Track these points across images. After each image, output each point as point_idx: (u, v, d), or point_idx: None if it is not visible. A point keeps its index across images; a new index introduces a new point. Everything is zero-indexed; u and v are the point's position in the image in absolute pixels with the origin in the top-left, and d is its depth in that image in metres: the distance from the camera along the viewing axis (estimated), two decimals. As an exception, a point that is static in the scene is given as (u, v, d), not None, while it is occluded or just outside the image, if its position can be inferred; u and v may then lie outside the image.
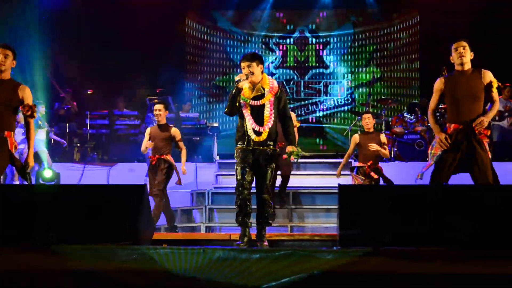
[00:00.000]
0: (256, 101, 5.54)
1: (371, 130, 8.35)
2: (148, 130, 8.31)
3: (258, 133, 5.52)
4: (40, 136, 10.46)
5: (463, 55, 5.42)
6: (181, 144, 8.18)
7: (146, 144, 8.06)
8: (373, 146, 8.02)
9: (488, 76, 5.46)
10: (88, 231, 4.28)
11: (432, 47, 12.93)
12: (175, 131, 8.14)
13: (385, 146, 8.25)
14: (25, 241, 4.15)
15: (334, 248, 4.34)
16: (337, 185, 4.49)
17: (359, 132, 8.95)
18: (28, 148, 5.41)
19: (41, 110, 10.54)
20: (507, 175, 9.76)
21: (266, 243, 5.60)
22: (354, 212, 4.34)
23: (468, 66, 5.46)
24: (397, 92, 13.64)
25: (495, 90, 5.43)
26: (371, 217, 4.28)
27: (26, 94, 5.37)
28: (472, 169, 5.33)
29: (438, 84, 5.54)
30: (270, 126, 5.54)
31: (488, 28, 12.74)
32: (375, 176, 8.16)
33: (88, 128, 11.77)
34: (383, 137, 8.40)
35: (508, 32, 12.64)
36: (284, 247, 5.65)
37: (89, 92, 12.79)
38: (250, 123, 5.53)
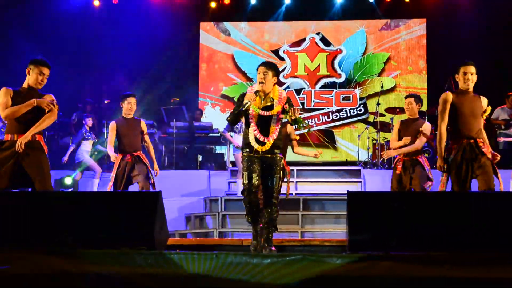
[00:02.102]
0: (265, 112, 5.53)
1: (414, 116, 7.31)
2: (113, 125, 7.57)
3: (262, 143, 5.51)
4: (85, 147, 10.56)
5: (470, 81, 5.62)
6: (147, 138, 7.63)
7: (112, 145, 7.53)
8: (388, 153, 7.34)
9: (486, 102, 5.70)
10: (105, 236, 4.31)
11: (439, 57, 12.92)
12: (143, 124, 7.62)
13: (422, 138, 7.08)
14: (45, 244, 4.19)
15: (344, 253, 4.33)
16: (346, 192, 4.50)
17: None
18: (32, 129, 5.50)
19: (89, 122, 10.71)
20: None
21: (273, 248, 5.58)
22: (362, 217, 4.34)
23: (471, 89, 5.68)
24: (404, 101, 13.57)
25: (484, 116, 5.68)
26: (379, 223, 4.28)
27: (46, 99, 5.59)
28: (478, 176, 5.54)
29: (447, 96, 5.67)
30: (274, 137, 5.54)
31: (495, 37, 12.70)
32: (398, 169, 7.10)
33: (105, 137, 11.82)
34: (425, 126, 7.18)
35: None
36: (295, 252, 5.65)
37: (106, 102, 12.88)
38: (255, 133, 5.52)
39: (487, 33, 12.74)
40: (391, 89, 13.77)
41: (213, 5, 14.20)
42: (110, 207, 4.50)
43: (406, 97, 7.63)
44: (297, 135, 7.46)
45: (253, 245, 5.70)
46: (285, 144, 7.42)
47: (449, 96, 5.63)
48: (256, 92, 5.51)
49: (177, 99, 12.84)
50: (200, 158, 11.86)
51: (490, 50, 12.32)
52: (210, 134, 12.21)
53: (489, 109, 5.69)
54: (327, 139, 13.87)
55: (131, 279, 3.96)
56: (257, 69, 5.62)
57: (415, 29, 14.04)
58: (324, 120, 13.96)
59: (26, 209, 4.46)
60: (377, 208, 4.38)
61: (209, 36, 14.50)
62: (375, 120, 11.83)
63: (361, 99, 13.92)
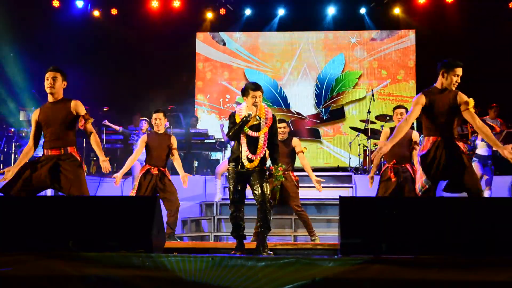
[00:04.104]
0: (253, 132, 5.65)
1: None
2: (143, 138, 7.55)
3: (251, 160, 5.64)
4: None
5: (456, 84, 5.37)
6: (176, 152, 7.58)
7: (137, 155, 7.56)
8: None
9: (462, 97, 5.36)
10: (105, 239, 4.30)
11: (427, 66, 12.96)
12: (174, 139, 7.60)
13: (415, 146, 7.13)
14: (46, 247, 4.18)
15: (335, 256, 4.34)
16: (338, 197, 4.50)
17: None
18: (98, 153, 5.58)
19: (144, 127, 10.54)
20: (500, 188, 9.82)
21: (271, 251, 5.69)
22: (354, 222, 4.35)
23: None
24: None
25: (471, 109, 5.34)
26: (370, 227, 4.29)
27: (78, 108, 5.51)
28: (460, 174, 5.29)
29: (419, 98, 5.38)
30: (261, 155, 5.68)
31: (481, 48, 12.77)
32: (393, 178, 7.14)
33: (104, 143, 11.80)
34: (416, 136, 7.27)
35: (499, 55, 12.69)
36: (288, 255, 5.63)
37: (105, 109, 12.86)
38: (244, 150, 5.64)
39: (474, 44, 12.81)
40: (363, 98, 13.93)
41: (209, 15, 14.23)
42: (109, 211, 4.49)
43: (396, 108, 7.54)
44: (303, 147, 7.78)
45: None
46: (293, 157, 7.67)
47: (422, 98, 5.33)
48: (255, 105, 5.61)
49: (174, 106, 12.84)
50: (196, 163, 11.85)
51: (477, 61, 12.38)
52: (206, 141, 12.21)
53: (471, 101, 5.30)
54: (314, 136, 14.10)
55: (129, 281, 3.95)
56: (250, 90, 5.62)
57: (404, 39, 14.13)
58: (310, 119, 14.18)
59: (27, 213, 4.45)
60: (368, 212, 4.39)
61: (205, 46, 14.54)
62: (365, 127, 11.85)
63: (340, 105, 14.27)
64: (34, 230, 4.37)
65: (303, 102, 14.33)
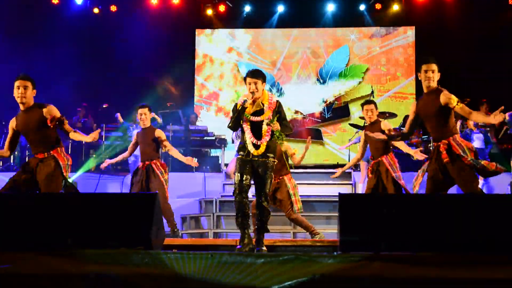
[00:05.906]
0: (255, 117, 5.58)
1: (373, 120, 7.24)
2: (135, 132, 7.88)
3: (257, 147, 5.54)
4: None
5: (431, 79, 5.39)
6: (168, 144, 7.59)
7: (131, 150, 7.72)
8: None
9: (445, 96, 5.29)
10: (104, 237, 4.30)
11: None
12: (159, 132, 7.61)
13: (391, 132, 6.82)
14: (45, 245, 4.18)
15: (335, 253, 4.34)
16: (337, 194, 4.50)
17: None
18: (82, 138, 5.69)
19: (119, 120, 10.66)
20: (498, 184, 9.82)
21: (264, 248, 5.59)
22: (353, 219, 4.34)
23: (432, 87, 5.40)
24: (394, 106, 13.63)
25: (459, 105, 5.25)
26: (370, 224, 4.29)
27: (51, 111, 5.46)
28: (457, 180, 5.33)
29: (412, 106, 5.64)
30: (267, 139, 5.57)
31: (482, 45, 12.76)
32: (370, 176, 7.12)
33: (103, 140, 11.79)
34: (384, 124, 7.23)
35: (499, 52, 12.68)
36: (288, 252, 5.64)
37: (104, 106, 12.85)
38: (249, 137, 5.57)
39: (473, 41, 12.80)
40: (370, 95, 13.86)
41: (208, 12, 14.23)
42: (108, 209, 4.49)
43: (364, 104, 7.33)
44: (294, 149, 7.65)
45: (238, 249, 5.56)
46: (282, 161, 7.34)
47: (413, 106, 5.59)
48: (252, 93, 5.56)
49: (173, 103, 12.83)
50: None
51: (476, 58, 12.38)
52: (205, 138, 12.20)
53: (454, 98, 5.23)
54: (315, 137, 13.98)
55: (128, 278, 3.95)
56: (245, 79, 5.65)
57: (404, 36, 14.12)
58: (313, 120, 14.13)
59: (26, 211, 4.44)
60: (368, 209, 4.39)
61: (204, 42, 14.52)
62: (365, 124, 11.84)
63: (344, 103, 14.16)
64: (33, 228, 4.36)
65: (303, 100, 14.31)
